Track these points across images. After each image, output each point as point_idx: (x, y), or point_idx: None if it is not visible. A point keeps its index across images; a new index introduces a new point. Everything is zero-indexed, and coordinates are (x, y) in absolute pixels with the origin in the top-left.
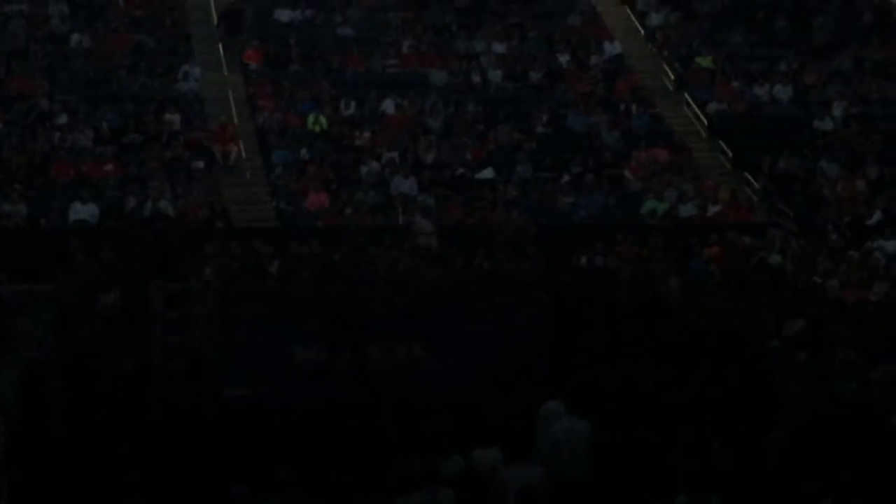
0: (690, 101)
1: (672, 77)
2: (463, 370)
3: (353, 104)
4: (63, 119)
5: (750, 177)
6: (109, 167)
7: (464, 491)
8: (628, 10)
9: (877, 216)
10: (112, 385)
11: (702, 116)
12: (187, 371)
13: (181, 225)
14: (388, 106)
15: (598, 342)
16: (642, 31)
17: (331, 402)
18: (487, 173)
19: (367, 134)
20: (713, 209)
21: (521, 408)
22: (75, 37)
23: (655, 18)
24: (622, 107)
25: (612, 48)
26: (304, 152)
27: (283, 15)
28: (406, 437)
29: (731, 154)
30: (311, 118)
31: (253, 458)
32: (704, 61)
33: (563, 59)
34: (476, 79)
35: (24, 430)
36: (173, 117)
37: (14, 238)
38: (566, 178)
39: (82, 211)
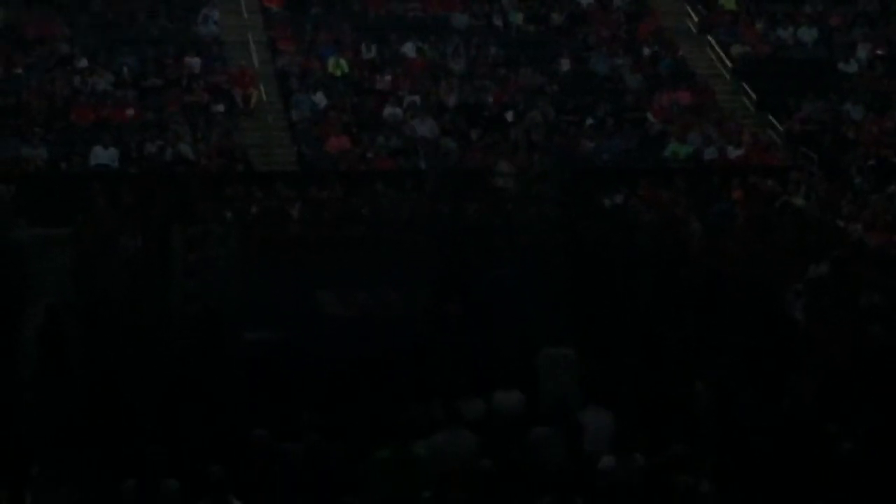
0: (714, 44)
1: (695, 19)
2: (481, 315)
3: (374, 48)
4: (83, 63)
5: (774, 120)
6: (130, 111)
7: (486, 433)
8: None
9: None
10: (132, 329)
11: (725, 59)
12: (207, 315)
13: (201, 169)
14: (410, 49)
15: (618, 287)
16: None
17: (353, 347)
18: (510, 116)
19: (388, 77)
20: (736, 152)
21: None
22: None
23: None
24: (645, 49)
25: None
26: (324, 96)
27: None
28: (426, 382)
29: (754, 97)
30: (331, 62)
31: (273, 402)
32: (728, 3)
33: (586, 1)
34: (497, 22)
35: (45, 373)
36: (193, 61)
37: (34, 182)
38: (589, 121)
39: (103, 155)
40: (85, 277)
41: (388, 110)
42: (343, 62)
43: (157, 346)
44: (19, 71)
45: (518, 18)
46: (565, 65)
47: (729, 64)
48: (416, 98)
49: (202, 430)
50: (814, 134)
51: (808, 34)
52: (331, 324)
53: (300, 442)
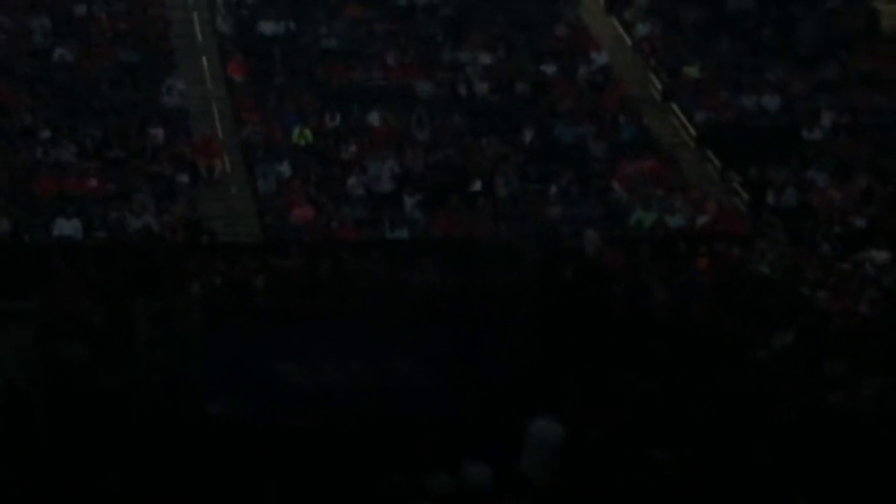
0: (678, 112)
1: (659, 87)
2: (451, 385)
3: (338, 117)
4: (46, 134)
5: (738, 187)
6: (93, 182)
7: None
8: (615, 21)
9: (862, 224)
10: (95, 403)
11: (689, 126)
12: (171, 388)
13: (165, 241)
14: (374, 118)
15: (587, 354)
16: (629, 42)
17: (317, 419)
18: (475, 185)
19: (352, 147)
20: (701, 219)
21: (510, 423)
22: (58, 51)
23: (642, 29)
24: (609, 118)
25: (599, 59)
26: (289, 166)
27: (267, 28)
28: (393, 454)
29: (718, 164)
30: (296, 131)
31: (237, 475)
32: (691, 71)
33: (550, 69)
34: (462, 90)
35: (7, 448)
36: (157, 131)
37: None
38: (554, 189)
39: (66, 226)
40: (48, 350)
41: (353, 180)
42: (307, 132)
43: (121, 419)
44: None
45: (482, 88)
46: (529, 134)
47: (693, 131)
48: (381, 167)
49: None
50: (778, 201)
51: (771, 102)
52: (295, 396)
53: None
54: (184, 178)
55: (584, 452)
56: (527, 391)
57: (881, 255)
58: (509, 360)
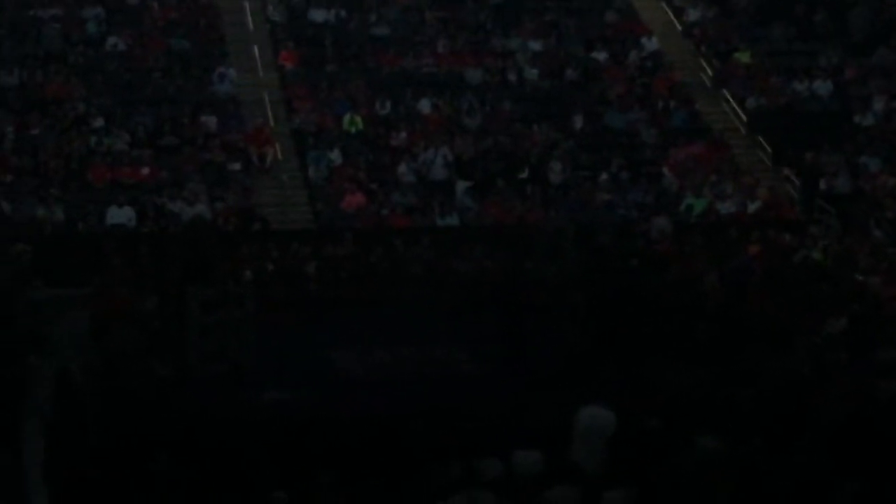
0: (729, 97)
1: (710, 73)
2: (501, 372)
3: (388, 104)
4: (99, 122)
5: (790, 173)
6: (146, 170)
7: (505, 494)
8: (665, 6)
9: None
10: (149, 391)
11: (740, 112)
12: (225, 376)
13: (218, 228)
14: (425, 105)
15: (636, 342)
16: (679, 27)
17: (369, 406)
18: (525, 172)
19: (403, 134)
20: (753, 206)
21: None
22: (111, 40)
23: (693, 14)
24: (660, 104)
25: (650, 44)
26: (340, 153)
27: (318, 15)
28: (444, 441)
29: (770, 150)
30: (346, 119)
31: (292, 463)
32: (743, 57)
33: (600, 56)
34: (512, 77)
35: (61, 437)
36: (209, 119)
37: (50, 242)
38: (604, 176)
39: (119, 215)
40: (102, 339)
41: (403, 167)
42: (358, 119)
43: (174, 408)
44: (36, 131)
45: (532, 74)
46: (579, 120)
47: (744, 117)
48: (432, 154)
49: (220, 492)
50: (830, 187)
51: (823, 87)
52: (348, 383)
53: (319, 502)
54: (236, 166)
55: (634, 440)
56: (575, 378)
57: None
58: (558, 347)
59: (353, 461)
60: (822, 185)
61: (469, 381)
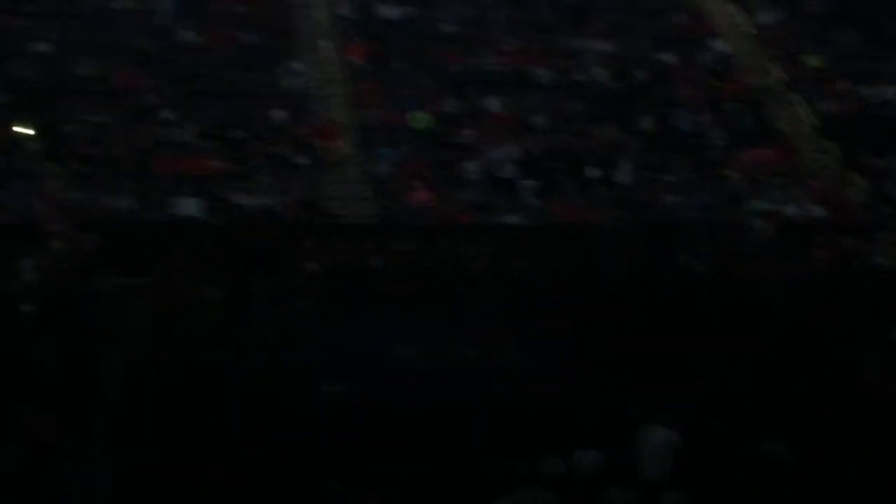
0: (798, 101)
1: (779, 76)
2: (556, 370)
3: (455, 101)
4: (167, 114)
5: (858, 178)
6: (213, 162)
7: (564, 493)
8: (735, 9)
9: None
10: (212, 381)
11: (809, 116)
12: (286, 367)
13: (283, 221)
14: (492, 103)
15: (695, 344)
16: (749, 30)
17: (432, 401)
18: (592, 172)
19: (470, 131)
20: (820, 210)
21: (620, 411)
22: (180, 32)
23: (762, 17)
24: (728, 106)
25: (719, 47)
26: (406, 149)
27: (387, 11)
28: (504, 438)
29: (838, 154)
30: (414, 115)
31: (349, 455)
32: (812, 61)
33: (669, 57)
34: (580, 77)
35: (126, 424)
36: (279, 113)
37: (117, 232)
38: (670, 177)
39: (186, 206)
40: (167, 328)
41: (470, 164)
42: (427, 116)
43: (237, 397)
44: (105, 121)
45: (601, 75)
46: (647, 121)
47: (813, 122)
48: (499, 152)
49: (278, 480)
50: None
51: (892, 92)
52: (409, 377)
53: (375, 494)
54: (303, 160)
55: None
56: (636, 379)
57: None
58: (620, 348)
59: (414, 456)
60: (890, 189)
61: (528, 378)
